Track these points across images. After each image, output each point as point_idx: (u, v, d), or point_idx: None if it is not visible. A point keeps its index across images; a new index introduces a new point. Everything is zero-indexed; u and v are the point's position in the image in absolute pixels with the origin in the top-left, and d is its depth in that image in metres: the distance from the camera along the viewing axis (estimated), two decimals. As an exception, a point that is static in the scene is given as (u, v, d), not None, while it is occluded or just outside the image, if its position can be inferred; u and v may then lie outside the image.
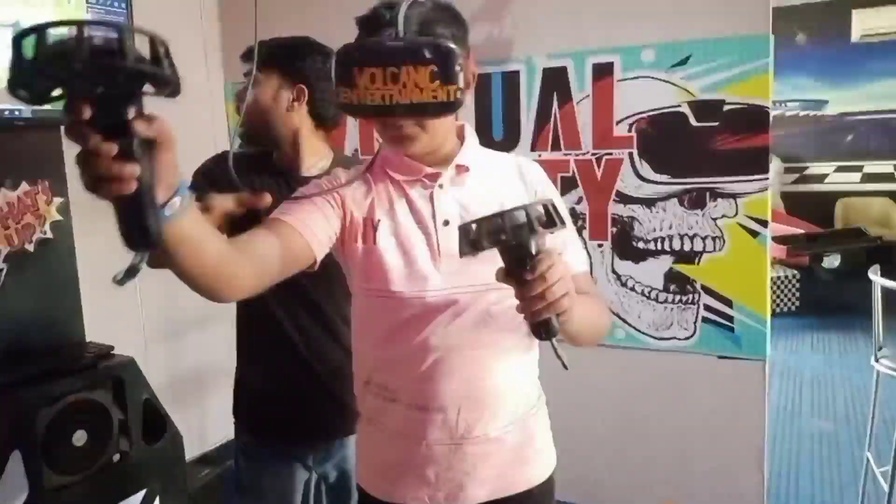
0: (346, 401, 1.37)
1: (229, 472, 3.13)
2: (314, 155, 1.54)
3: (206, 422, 3.19)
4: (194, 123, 3.10)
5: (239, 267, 0.94)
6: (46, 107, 1.82)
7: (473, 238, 0.86)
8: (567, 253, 1.12)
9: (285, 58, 1.50)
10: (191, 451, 2.91)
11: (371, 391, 1.16)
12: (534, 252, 0.87)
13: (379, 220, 1.10)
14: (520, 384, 1.17)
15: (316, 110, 1.51)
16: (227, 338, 3.30)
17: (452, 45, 0.93)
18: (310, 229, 1.05)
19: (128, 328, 2.78)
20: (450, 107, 0.94)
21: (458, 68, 0.91)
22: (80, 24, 0.59)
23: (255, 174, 1.50)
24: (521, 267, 0.87)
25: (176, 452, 2.10)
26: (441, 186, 1.11)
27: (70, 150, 2.23)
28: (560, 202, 1.14)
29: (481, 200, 1.11)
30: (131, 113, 0.65)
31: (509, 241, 0.85)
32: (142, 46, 0.64)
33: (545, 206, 0.86)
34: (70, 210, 2.02)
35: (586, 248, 2.50)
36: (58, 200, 1.99)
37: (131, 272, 0.74)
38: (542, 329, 0.90)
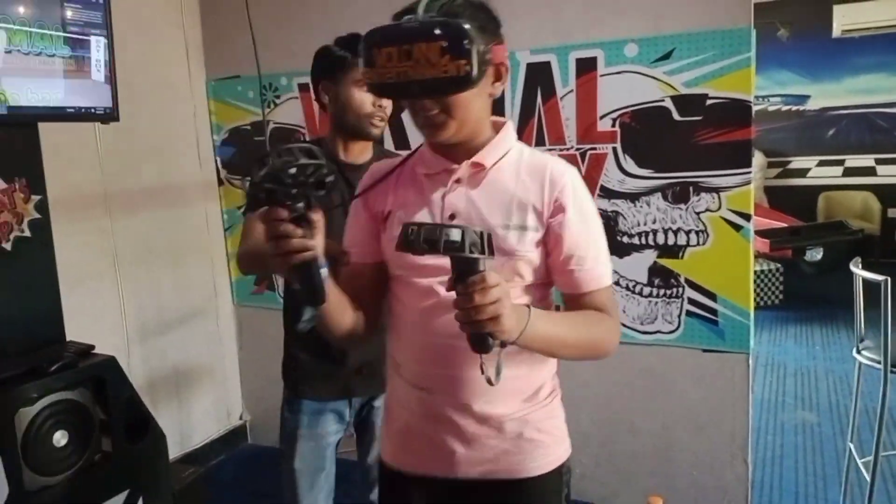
0: (377, 368, 1.63)
1: (213, 470, 3.11)
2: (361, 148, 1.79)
3: (189, 421, 3.17)
4: (176, 119, 3.08)
5: (352, 323, 1.16)
6: (22, 103, 1.80)
7: (412, 238, 0.92)
8: (583, 270, 1.14)
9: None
10: (174, 451, 2.89)
11: (391, 364, 1.28)
12: (478, 269, 0.93)
13: (390, 212, 1.19)
14: (514, 378, 1.15)
15: None
16: (210, 336, 3.29)
17: (464, 24, 0.98)
18: (373, 252, 1.22)
19: (109, 328, 2.76)
20: (461, 81, 0.99)
21: (467, 44, 0.96)
22: (268, 161, 0.92)
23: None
24: (459, 281, 0.94)
25: (159, 452, 2.08)
26: (458, 181, 1.16)
27: (49, 146, 2.18)
28: (590, 209, 1.18)
29: (491, 199, 1.15)
30: (303, 209, 0.96)
31: (439, 252, 0.92)
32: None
33: (480, 235, 0.93)
34: (48, 208, 1.99)
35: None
36: (36, 198, 1.96)
37: (311, 321, 1.05)
38: (475, 342, 0.97)
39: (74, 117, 1.98)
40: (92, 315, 2.68)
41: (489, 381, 1.00)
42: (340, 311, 1.12)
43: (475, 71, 0.98)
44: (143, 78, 2.86)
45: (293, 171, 0.92)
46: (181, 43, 3.08)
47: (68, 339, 2.05)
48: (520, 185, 1.15)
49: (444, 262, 1.00)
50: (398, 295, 1.21)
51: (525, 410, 1.20)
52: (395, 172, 1.22)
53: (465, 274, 0.94)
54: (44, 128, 2.00)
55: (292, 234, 0.94)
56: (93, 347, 2.00)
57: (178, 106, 3.09)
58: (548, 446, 1.23)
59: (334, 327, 1.13)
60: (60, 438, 1.81)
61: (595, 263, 1.16)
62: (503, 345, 0.99)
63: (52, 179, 2.06)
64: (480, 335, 0.96)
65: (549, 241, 1.14)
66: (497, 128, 1.20)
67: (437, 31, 0.96)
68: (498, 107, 2.55)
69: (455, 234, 0.91)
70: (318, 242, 0.97)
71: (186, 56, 3.10)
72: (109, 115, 2.04)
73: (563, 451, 1.26)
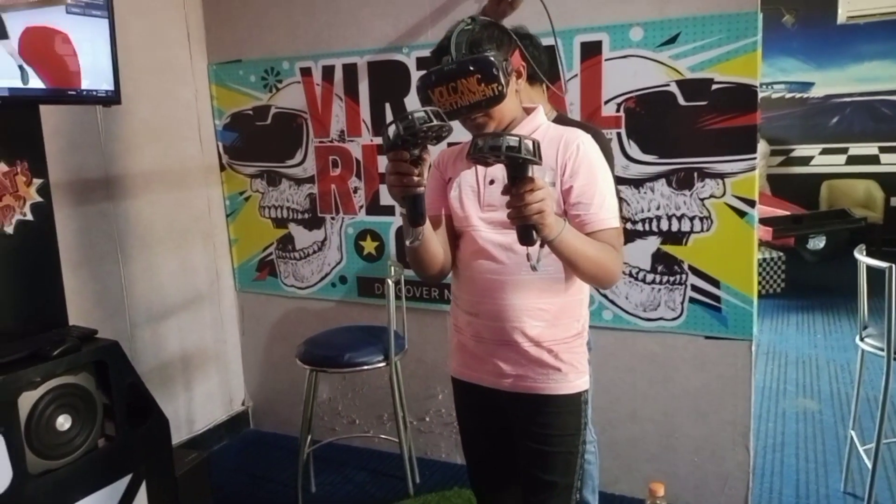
0: None
1: (216, 455, 3.12)
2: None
3: (193, 406, 3.18)
4: (178, 103, 3.06)
5: (443, 258, 1.51)
6: (29, 85, 1.78)
7: (480, 145, 1.17)
8: (588, 213, 1.41)
9: None
10: (178, 436, 2.90)
11: (453, 297, 1.64)
12: (526, 174, 1.19)
13: (451, 178, 1.56)
14: (539, 311, 1.47)
15: None
16: (213, 322, 3.28)
17: (490, 56, 1.30)
18: (444, 206, 1.56)
19: (112, 312, 2.76)
20: (496, 99, 1.33)
21: (496, 71, 1.29)
22: (410, 116, 1.20)
23: None
24: (514, 183, 1.20)
25: (162, 436, 2.08)
26: None
27: (50, 128, 2.16)
28: (598, 166, 1.44)
29: None
30: (418, 154, 1.26)
31: (501, 153, 1.16)
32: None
33: (533, 143, 1.17)
34: (50, 191, 1.98)
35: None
36: (38, 181, 1.95)
37: (417, 238, 1.34)
38: (522, 235, 1.24)
39: (76, 100, 1.97)
40: (94, 299, 2.68)
41: (533, 268, 1.29)
42: (434, 243, 1.45)
43: (505, 88, 1.31)
44: (145, 61, 2.84)
45: (426, 127, 1.20)
46: (182, 26, 3.06)
47: (71, 323, 2.05)
48: (543, 155, 1.39)
49: (487, 216, 1.46)
50: (458, 244, 1.56)
51: (551, 341, 1.49)
52: (459, 152, 1.56)
53: (518, 178, 1.19)
54: (45, 110, 1.99)
55: (408, 172, 1.24)
56: (96, 332, 2.00)
57: (180, 90, 3.07)
58: (568, 374, 1.51)
59: (430, 259, 1.47)
60: (63, 422, 1.81)
61: (599, 209, 1.42)
62: (542, 245, 1.26)
63: (54, 162, 2.05)
64: (527, 228, 1.22)
65: (564, 193, 1.42)
66: (529, 112, 1.51)
67: (472, 68, 1.29)
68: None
69: (513, 141, 1.16)
70: (426, 180, 1.28)
71: (188, 39, 3.08)
72: (111, 98, 2.02)
73: (582, 383, 1.54)
